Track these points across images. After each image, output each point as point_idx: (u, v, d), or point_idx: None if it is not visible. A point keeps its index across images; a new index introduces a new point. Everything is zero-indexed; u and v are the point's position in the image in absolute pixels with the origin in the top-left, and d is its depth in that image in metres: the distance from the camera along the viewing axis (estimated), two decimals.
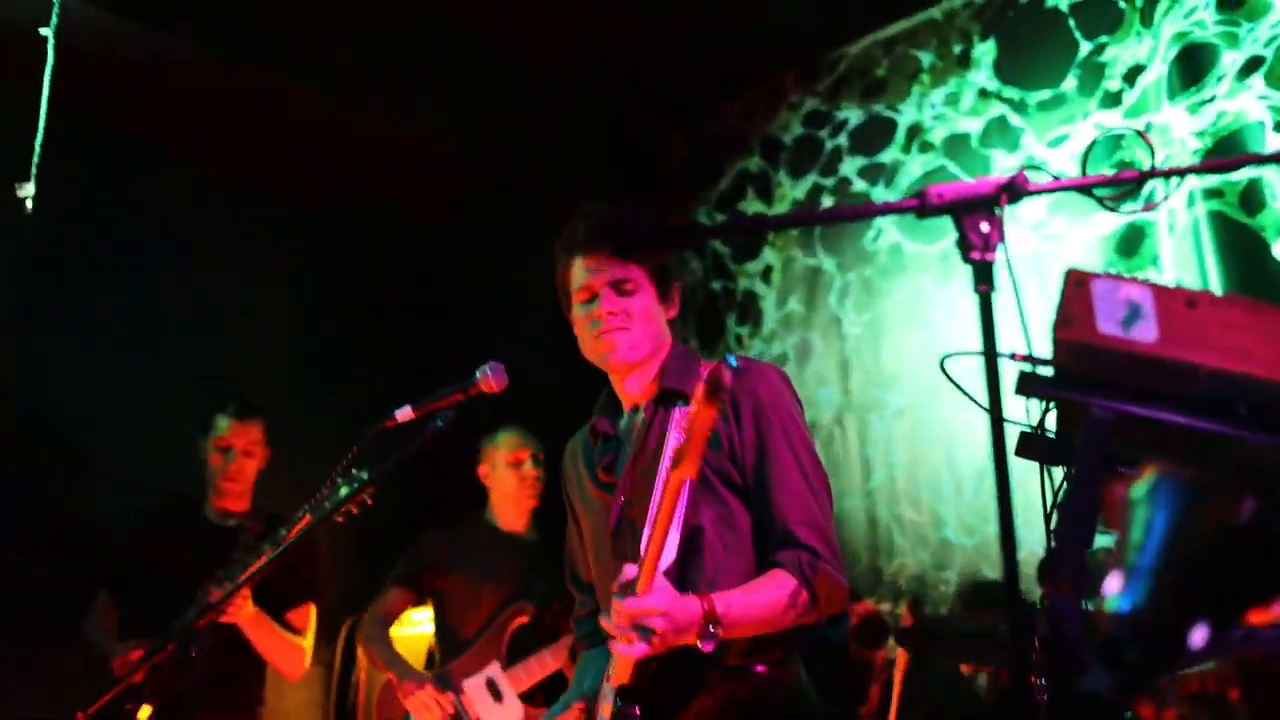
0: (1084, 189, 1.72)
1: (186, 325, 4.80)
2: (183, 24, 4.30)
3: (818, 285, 4.81)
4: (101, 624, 3.93)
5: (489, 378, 2.61)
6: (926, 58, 4.61)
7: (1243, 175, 3.62)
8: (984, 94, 4.39)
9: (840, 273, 4.74)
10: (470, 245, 5.82)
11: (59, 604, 4.02)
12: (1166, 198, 3.69)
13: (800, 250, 4.90)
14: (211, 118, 4.87)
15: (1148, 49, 3.95)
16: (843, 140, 4.84)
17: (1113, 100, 4.02)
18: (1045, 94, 4.20)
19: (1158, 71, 3.90)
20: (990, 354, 1.49)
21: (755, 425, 2.41)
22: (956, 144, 4.45)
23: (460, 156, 5.36)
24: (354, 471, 2.68)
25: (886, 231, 4.60)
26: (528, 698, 4.00)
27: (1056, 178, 1.72)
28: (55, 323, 4.47)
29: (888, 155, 4.67)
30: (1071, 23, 4.17)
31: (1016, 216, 4.00)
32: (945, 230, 4.24)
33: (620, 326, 2.47)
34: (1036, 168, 4.11)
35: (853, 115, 4.83)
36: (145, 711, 2.70)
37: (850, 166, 4.79)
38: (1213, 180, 3.68)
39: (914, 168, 4.57)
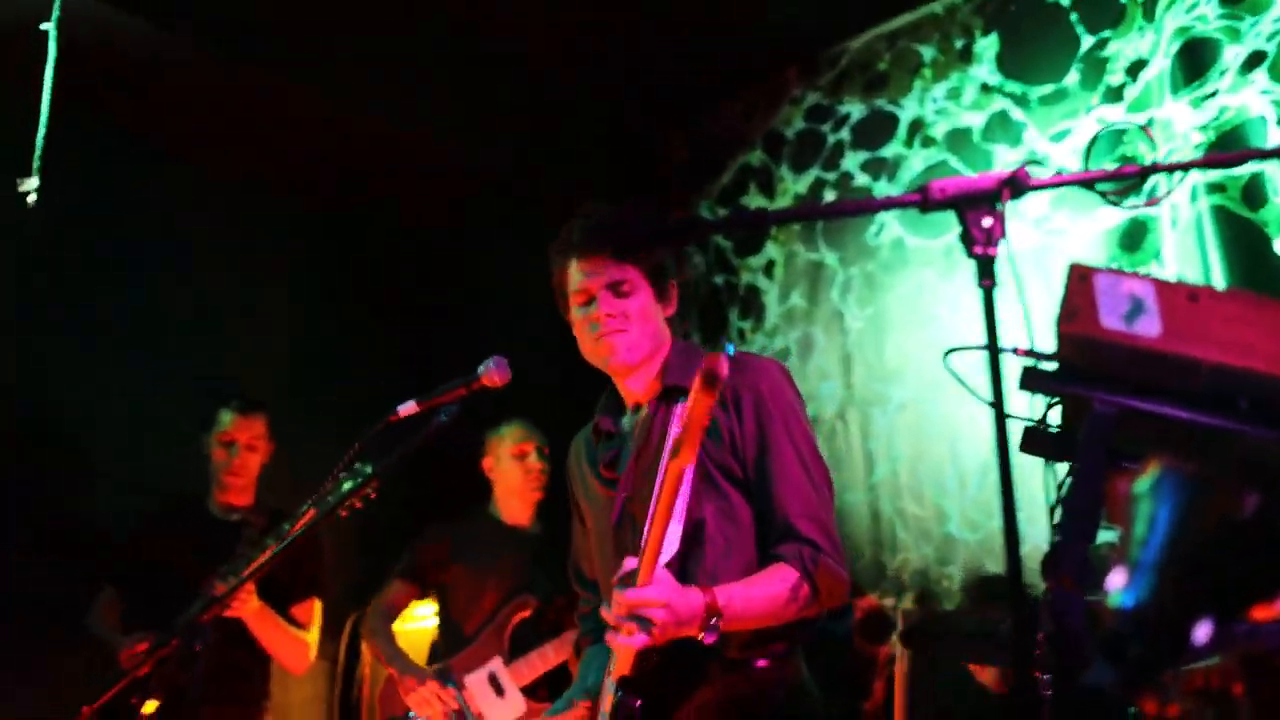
0: (1086, 184, 1.72)
1: (186, 325, 4.80)
2: (183, 23, 4.30)
3: (820, 280, 4.81)
4: (105, 618, 3.93)
5: (492, 372, 2.61)
6: (928, 52, 4.60)
7: (1245, 170, 3.62)
8: (986, 88, 4.39)
9: (843, 267, 4.74)
10: (470, 245, 5.82)
11: (59, 604, 4.03)
12: (1169, 192, 3.68)
13: (802, 245, 4.90)
14: (211, 118, 4.87)
15: (1150, 43, 3.94)
16: (845, 135, 4.83)
17: (1115, 95, 4.01)
18: (1047, 88, 4.20)
19: (1160, 66, 3.90)
20: (993, 349, 1.49)
21: (756, 418, 2.42)
22: (959, 139, 4.45)
23: (460, 156, 5.36)
24: (358, 466, 2.69)
25: (889, 226, 4.60)
26: (530, 692, 4.01)
27: (1059, 172, 1.72)
28: (55, 323, 4.46)
29: (890, 150, 4.66)
30: (1073, 17, 4.16)
31: (1019, 211, 4.00)
32: (948, 225, 4.24)
33: (619, 329, 2.48)
34: (1039, 163, 4.13)
35: (855, 110, 4.83)
36: (150, 705, 2.71)
37: (852, 161, 4.78)
38: (1215, 175, 3.67)
39: (916, 162, 4.57)
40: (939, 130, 4.51)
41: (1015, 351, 1.61)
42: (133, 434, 4.53)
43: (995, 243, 1.53)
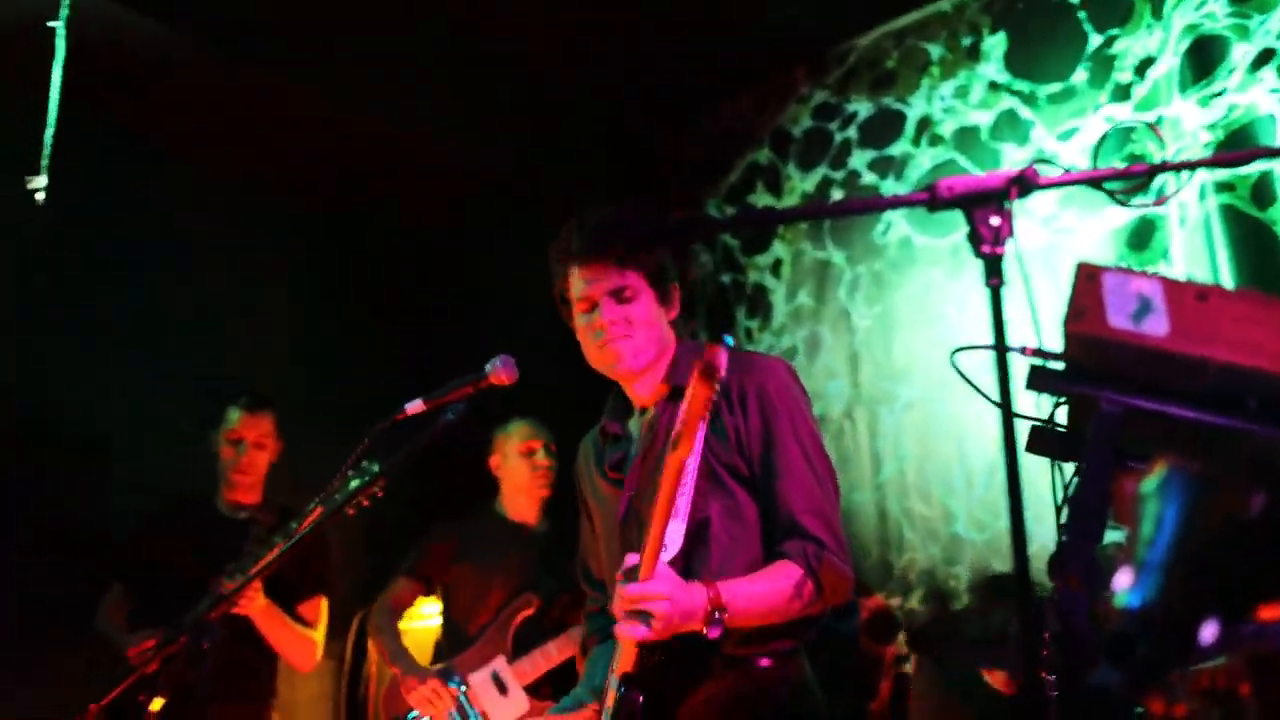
0: (1095, 182, 1.72)
1: (186, 325, 4.80)
2: (183, 23, 4.30)
3: (827, 278, 4.81)
4: (113, 616, 3.94)
5: (500, 371, 2.61)
6: (936, 50, 4.59)
7: (1254, 169, 3.61)
8: (994, 87, 4.38)
9: (850, 266, 4.74)
10: (470, 245, 5.81)
11: (59, 604, 4.04)
12: (1177, 191, 3.67)
13: (810, 243, 4.89)
14: (212, 118, 4.87)
15: (1158, 41, 3.93)
16: (852, 133, 4.83)
17: (1123, 93, 4.00)
18: (1055, 87, 4.19)
19: (1168, 64, 3.89)
20: (1001, 348, 1.49)
21: (761, 416, 2.42)
22: (966, 137, 4.44)
23: (460, 156, 5.36)
24: (365, 464, 2.69)
25: (896, 225, 4.60)
26: (533, 690, 4.01)
27: (1067, 171, 1.72)
28: (55, 323, 4.46)
29: (897, 148, 4.66)
30: (1082, 15, 4.15)
31: (1027, 210, 3.99)
32: (955, 224, 4.22)
33: (623, 335, 2.48)
34: (1047, 161, 4.11)
35: (862, 108, 4.82)
36: (157, 703, 2.72)
37: (860, 159, 4.78)
38: (1224, 174, 3.66)
39: (924, 161, 4.56)
40: (947, 129, 4.51)
41: (1023, 351, 1.60)
42: (133, 434, 4.53)
43: (1003, 242, 1.52)
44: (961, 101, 4.48)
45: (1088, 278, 1.53)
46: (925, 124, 4.58)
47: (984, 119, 4.39)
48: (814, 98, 5.00)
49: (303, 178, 5.34)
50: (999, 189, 1.54)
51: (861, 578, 4.31)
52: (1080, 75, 4.13)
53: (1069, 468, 1.70)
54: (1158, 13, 3.95)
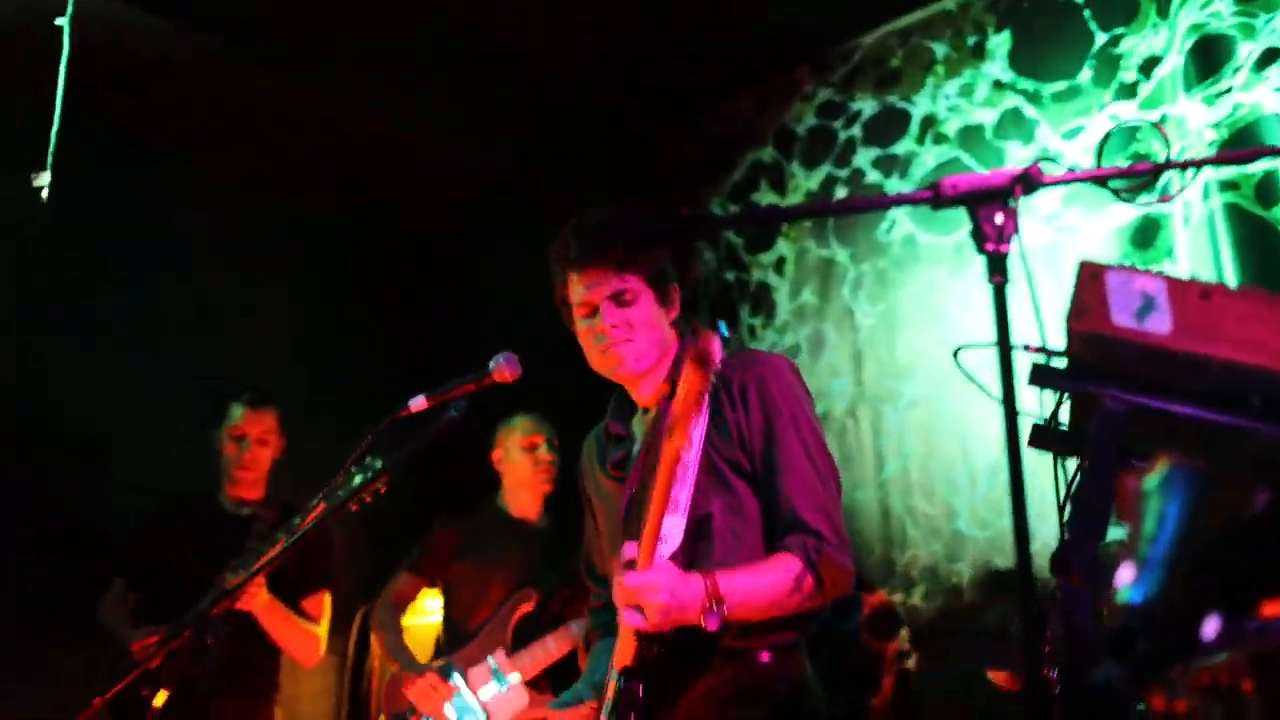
0: (1099, 181, 1.72)
1: (186, 325, 4.79)
2: (183, 23, 4.31)
3: (831, 276, 4.81)
4: (116, 610, 3.95)
5: (503, 367, 2.62)
6: (941, 49, 4.59)
7: (1259, 167, 3.61)
8: (998, 85, 4.38)
9: (854, 264, 4.74)
10: (470, 245, 5.80)
11: (59, 604, 4.04)
12: (1182, 190, 3.67)
13: (814, 241, 4.89)
14: (212, 118, 4.87)
15: (1164, 40, 3.93)
16: (856, 131, 4.83)
17: (1128, 92, 4.00)
18: (1060, 85, 4.19)
19: (1174, 63, 3.89)
20: (1004, 345, 1.49)
21: (763, 411, 2.43)
22: (971, 135, 4.44)
23: (460, 156, 5.37)
24: (368, 460, 2.70)
25: (900, 223, 4.60)
26: (533, 685, 4.01)
27: (1071, 169, 1.72)
28: (55, 323, 4.46)
29: (902, 147, 4.66)
30: (1087, 14, 4.15)
31: (1031, 208, 3.99)
32: (959, 222, 4.23)
33: (625, 338, 2.48)
34: (1051, 160, 4.11)
35: (867, 106, 4.82)
36: (161, 697, 2.72)
37: (864, 158, 4.78)
38: (1228, 172, 3.66)
39: (928, 159, 4.56)
40: (951, 127, 4.51)
41: (1026, 348, 1.61)
42: (133, 434, 4.53)
43: (1007, 240, 1.53)
44: (966, 100, 4.48)
45: (1091, 276, 1.53)
46: (930, 122, 4.58)
47: (989, 117, 4.39)
48: (818, 96, 5.00)
49: (303, 178, 5.33)
50: (1003, 187, 1.54)
51: (864, 574, 4.32)
52: (1085, 74, 4.12)
53: (1072, 465, 1.70)
54: (1163, 12, 3.95)
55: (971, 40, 4.49)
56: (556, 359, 2.92)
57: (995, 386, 1.51)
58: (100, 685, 2.72)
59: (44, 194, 3.36)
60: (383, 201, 5.60)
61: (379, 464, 2.69)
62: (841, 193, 4.82)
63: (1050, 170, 1.60)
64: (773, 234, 5.05)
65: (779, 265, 5.01)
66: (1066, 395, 1.71)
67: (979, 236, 1.54)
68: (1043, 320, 1.65)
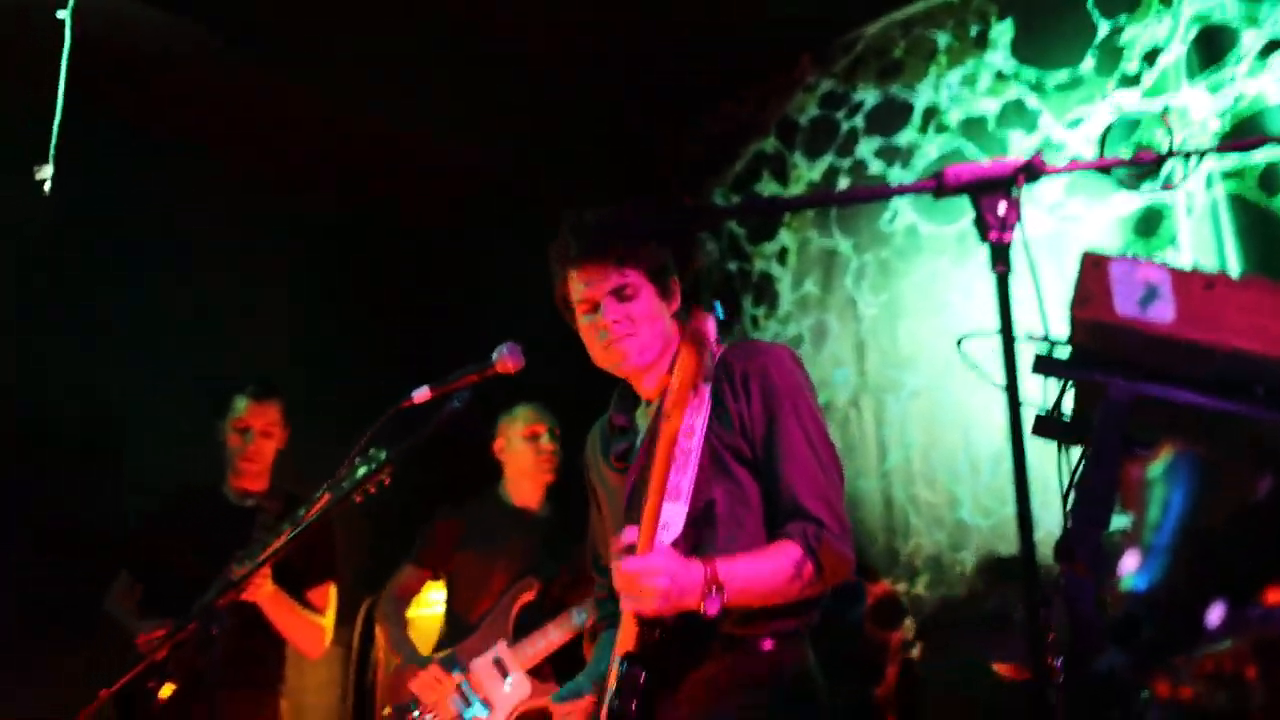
0: (1102, 170, 1.72)
1: (186, 325, 4.79)
2: (182, 24, 4.30)
3: (834, 267, 4.81)
4: (122, 602, 3.96)
5: (506, 358, 2.63)
6: (943, 38, 4.58)
7: (1262, 157, 3.60)
8: (1001, 75, 4.37)
9: (856, 254, 4.74)
10: (470, 245, 5.80)
11: (59, 604, 4.06)
12: (1185, 179, 3.67)
13: (816, 231, 4.89)
14: (212, 117, 4.87)
15: (1167, 29, 3.92)
16: (859, 121, 4.83)
17: (1131, 81, 3.99)
18: (1063, 75, 4.18)
19: (1177, 52, 3.88)
20: (1007, 335, 1.49)
21: (764, 399, 2.44)
22: (973, 125, 4.43)
23: (460, 156, 5.36)
24: (372, 452, 2.71)
25: (903, 213, 4.59)
26: (536, 674, 4.02)
27: (1074, 159, 1.72)
28: (55, 323, 4.46)
29: (904, 137, 4.65)
30: (1089, 3, 4.14)
31: (1034, 198, 3.98)
32: (962, 211, 4.24)
33: (628, 333, 2.49)
34: (1054, 149, 4.11)
35: (869, 96, 4.81)
36: (167, 689, 2.74)
37: (866, 148, 4.77)
38: (1232, 162, 3.66)
39: (930, 149, 4.56)
40: (954, 117, 4.50)
41: (1029, 338, 1.61)
42: (133, 434, 4.54)
43: (1010, 229, 1.53)
44: (969, 90, 4.47)
45: (1094, 265, 1.53)
46: (932, 112, 4.57)
47: (991, 107, 4.38)
48: (820, 86, 4.99)
49: (303, 178, 5.33)
50: (1006, 176, 1.55)
51: (868, 564, 4.33)
52: (1088, 63, 4.11)
53: (1075, 453, 1.70)
54: (1166, 1, 3.94)
55: (974, 30, 4.48)
56: (556, 359, 2.92)
57: (998, 376, 1.52)
58: (105, 679, 2.74)
59: (46, 187, 3.36)
60: (383, 201, 5.60)
61: (383, 455, 2.70)
62: (844, 183, 4.81)
63: (1053, 160, 1.60)
64: (775, 224, 5.05)
65: (781, 255, 5.01)
66: (1070, 384, 1.71)
67: (982, 226, 1.54)
68: (1046, 310, 1.65)
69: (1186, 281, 1.51)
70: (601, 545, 2.77)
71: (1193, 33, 3.84)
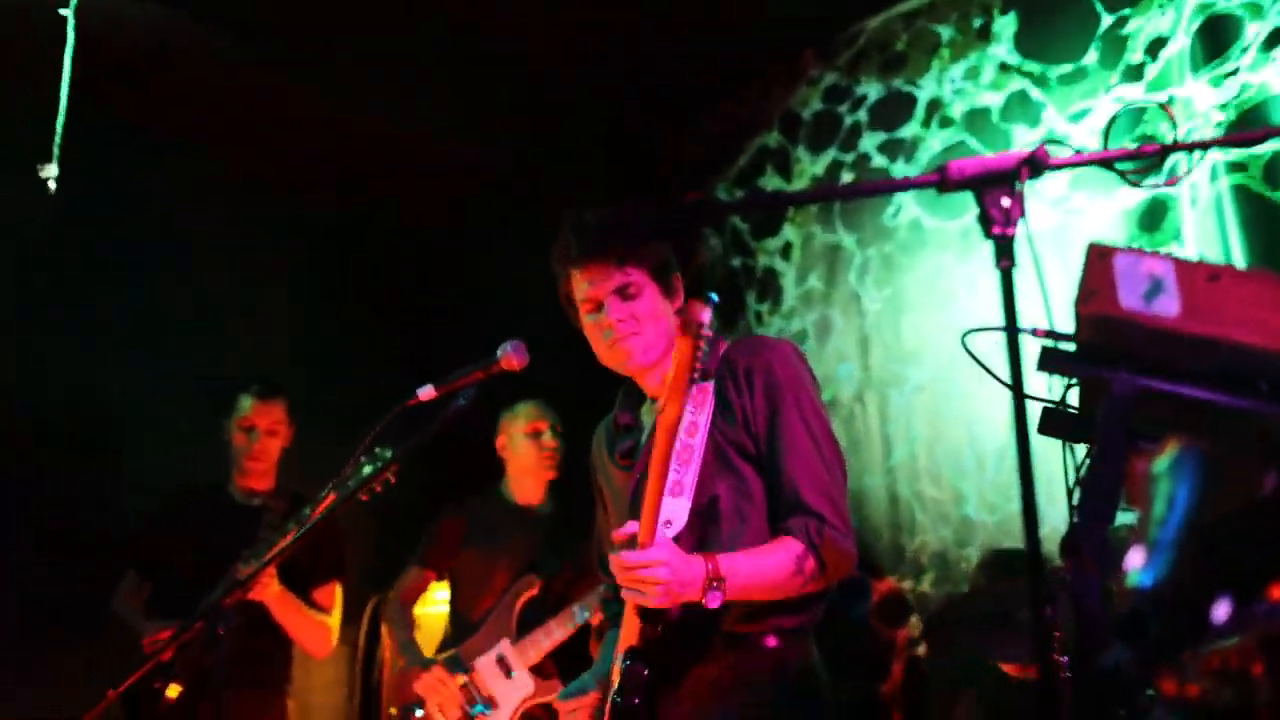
0: (1106, 163, 1.71)
1: (186, 325, 4.79)
2: (183, 24, 4.30)
3: (837, 261, 4.80)
4: (129, 600, 3.97)
5: (510, 356, 2.63)
6: (946, 32, 4.57)
7: (1266, 149, 3.59)
8: (1004, 68, 4.36)
9: (860, 249, 4.73)
10: (470, 245, 5.80)
11: (59, 604, 4.06)
12: (1189, 172, 3.66)
13: (820, 226, 4.88)
14: (212, 117, 4.87)
15: (1170, 21, 3.91)
16: (862, 116, 4.82)
17: (1135, 74, 3.98)
18: (1066, 68, 4.17)
19: (1180, 44, 3.86)
20: (1011, 329, 1.49)
21: (767, 394, 2.44)
22: (977, 119, 4.42)
23: (460, 156, 5.37)
24: (377, 450, 2.71)
25: (906, 207, 4.58)
26: (540, 672, 4.02)
27: (1078, 152, 1.71)
28: (55, 323, 4.47)
29: (907, 131, 4.64)
30: None
31: (1038, 191, 3.98)
32: (966, 206, 4.21)
33: (632, 332, 2.50)
34: (1058, 142, 4.09)
35: (872, 90, 4.80)
36: (174, 689, 2.74)
37: (870, 142, 4.77)
38: (1236, 154, 3.65)
39: (934, 143, 4.55)
40: (957, 110, 4.49)
41: (1034, 332, 1.60)
42: (133, 434, 4.55)
43: (1013, 223, 1.52)
44: (972, 83, 4.46)
45: (1099, 258, 1.52)
46: (935, 106, 4.56)
47: (995, 100, 4.37)
48: (823, 80, 4.98)
49: (303, 178, 5.33)
50: (1010, 170, 1.54)
51: (873, 560, 4.32)
52: (1091, 56, 4.10)
53: (1081, 449, 1.70)
54: None
55: (977, 23, 4.47)
56: (557, 358, 2.92)
57: (1003, 370, 1.51)
58: (111, 679, 2.74)
59: (51, 186, 3.36)
60: (383, 201, 5.60)
61: (389, 453, 2.71)
62: (847, 177, 4.81)
63: (1057, 153, 1.59)
64: (779, 219, 5.04)
65: (785, 251, 5.00)
66: (1075, 379, 1.71)
67: (986, 220, 1.53)
68: (1050, 304, 1.65)
69: (1191, 274, 1.50)
70: (607, 546, 2.77)
71: (1196, 24, 3.83)
